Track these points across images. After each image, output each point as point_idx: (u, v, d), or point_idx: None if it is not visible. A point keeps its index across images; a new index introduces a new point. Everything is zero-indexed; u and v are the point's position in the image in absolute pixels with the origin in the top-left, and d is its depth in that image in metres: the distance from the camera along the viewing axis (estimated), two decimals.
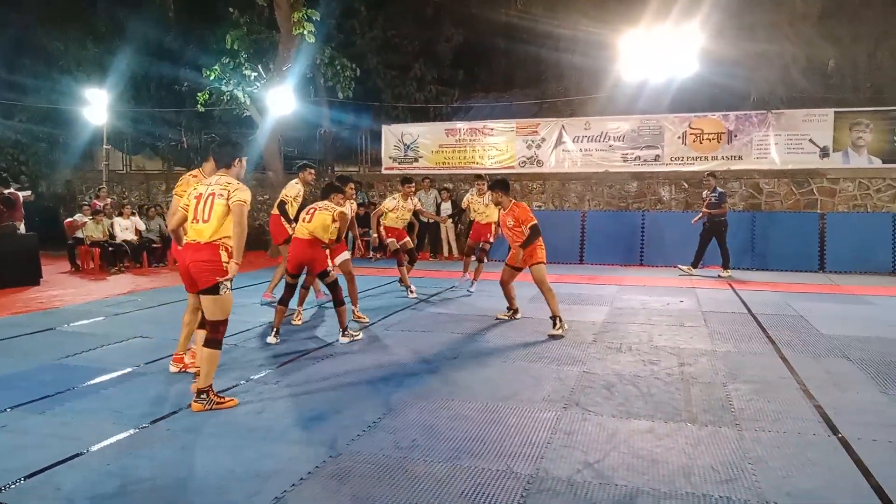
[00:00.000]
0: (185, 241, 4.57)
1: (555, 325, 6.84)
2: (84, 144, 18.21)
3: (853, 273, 12.09)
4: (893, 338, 6.66)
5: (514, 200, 7.20)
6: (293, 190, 8.46)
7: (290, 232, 8.21)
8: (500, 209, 7.38)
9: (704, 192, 11.66)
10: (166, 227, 13.81)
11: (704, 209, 11.41)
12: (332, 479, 3.38)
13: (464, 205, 9.90)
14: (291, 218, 8.23)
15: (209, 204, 4.42)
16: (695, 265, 11.73)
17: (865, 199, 13.06)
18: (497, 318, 7.59)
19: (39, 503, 3.10)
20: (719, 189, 11.51)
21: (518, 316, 7.64)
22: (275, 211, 8.52)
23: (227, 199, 4.39)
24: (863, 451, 3.74)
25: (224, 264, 4.40)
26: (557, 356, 5.91)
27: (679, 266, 11.93)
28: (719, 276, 11.27)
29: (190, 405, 4.43)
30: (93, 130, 17.04)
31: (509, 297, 7.57)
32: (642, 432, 4.04)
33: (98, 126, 16.25)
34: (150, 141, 19.33)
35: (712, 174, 11.76)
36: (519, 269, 7.23)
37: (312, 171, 8.82)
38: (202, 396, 4.42)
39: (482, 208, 9.47)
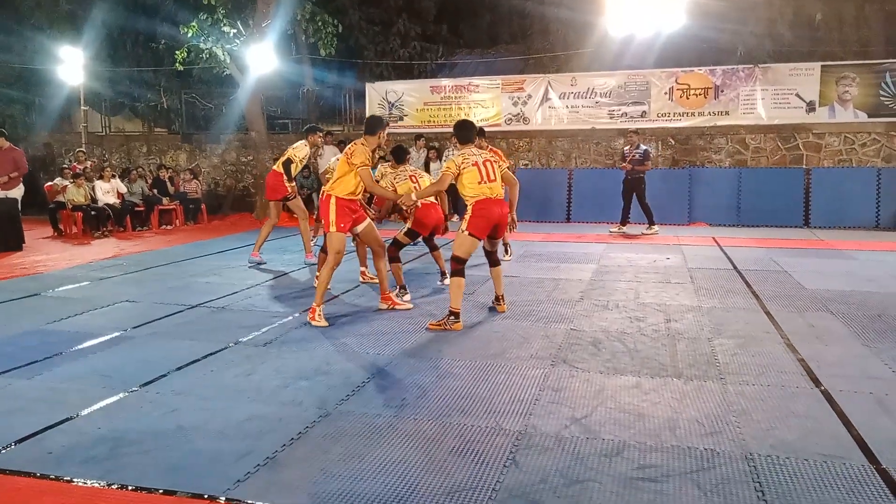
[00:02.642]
0: (484, 197, 5.55)
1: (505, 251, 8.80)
2: (61, 106, 17.77)
3: (837, 228, 12.21)
4: (875, 291, 6.77)
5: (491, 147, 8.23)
6: (302, 151, 8.46)
7: (289, 191, 8.29)
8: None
9: (626, 148, 11.57)
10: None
11: (625, 164, 11.34)
12: (324, 438, 3.40)
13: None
14: (293, 177, 8.47)
15: (491, 167, 5.63)
16: (622, 223, 11.65)
17: (851, 153, 13.10)
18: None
19: (31, 467, 3.11)
20: (643, 146, 11.41)
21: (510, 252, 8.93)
22: (277, 168, 8.45)
23: (501, 164, 5.81)
24: (844, 402, 3.82)
25: None
26: (545, 314, 5.95)
27: (609, 228, 11.91)
28: (643, 233, 11.32)
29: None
30: (69, 91, 16.62)
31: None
32: (628, 388, 4.10)
33: (74, 87, 15.84)
34: (129, 102, 18.89)
35: (635, 132, 11.62)
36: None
37: (321, 133, 8.82)
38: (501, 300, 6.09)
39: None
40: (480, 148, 8.07)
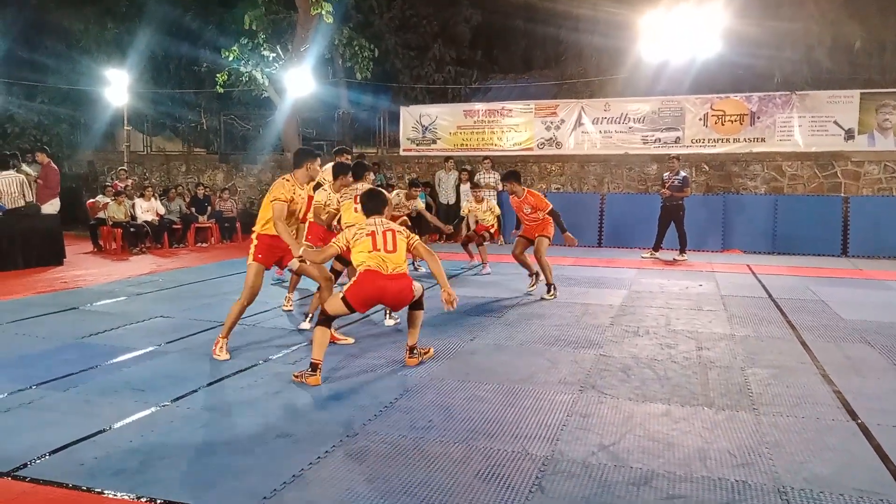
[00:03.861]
0: (370, 269, 4.87)
1: (549, 291, 7.78)
2: (105, 125, 18.36)
3: (876, 258, 11.92)
4: None
5: (526, 189, 7.87)
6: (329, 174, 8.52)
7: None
8: (513, 197, 7.93)
9: (665, 174, 11.55)
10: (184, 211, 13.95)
11: (665, 190, 11.29)
12: (350, 458, 3.42)
13: (463, 212, 11.28)
14: None
15: (392, 238, 4.93)
16: (655, 249, 11.61)
17: (891, 182, 12.82)
18: (527, 293, 8.04)
19: (63, 478, 3.17)
20: (682, 172, 11.36)
21: (541, 279, 8.02)
22: (309, 191, 8.52)
23: (407, 238, 5.03)
24: (882, 436, 3.71)
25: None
26: (574, 339, 5.91)
27: (642, 254, 11.88)
28: (674, 260, 11.21)
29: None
30: (113, 111, 17.17)
31: (526, 265, 8.18)
32: (658, 415, 4.04)
33: (118, 107, 16.37)
34: (170, 122, 19.45)
35: (677, 157, 11.59)
36: (531, 241, 7.93)
37: (348, 155, 8.81)
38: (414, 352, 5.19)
39: (482, 214, 10.29)
40: (513, 192, 7.85)
